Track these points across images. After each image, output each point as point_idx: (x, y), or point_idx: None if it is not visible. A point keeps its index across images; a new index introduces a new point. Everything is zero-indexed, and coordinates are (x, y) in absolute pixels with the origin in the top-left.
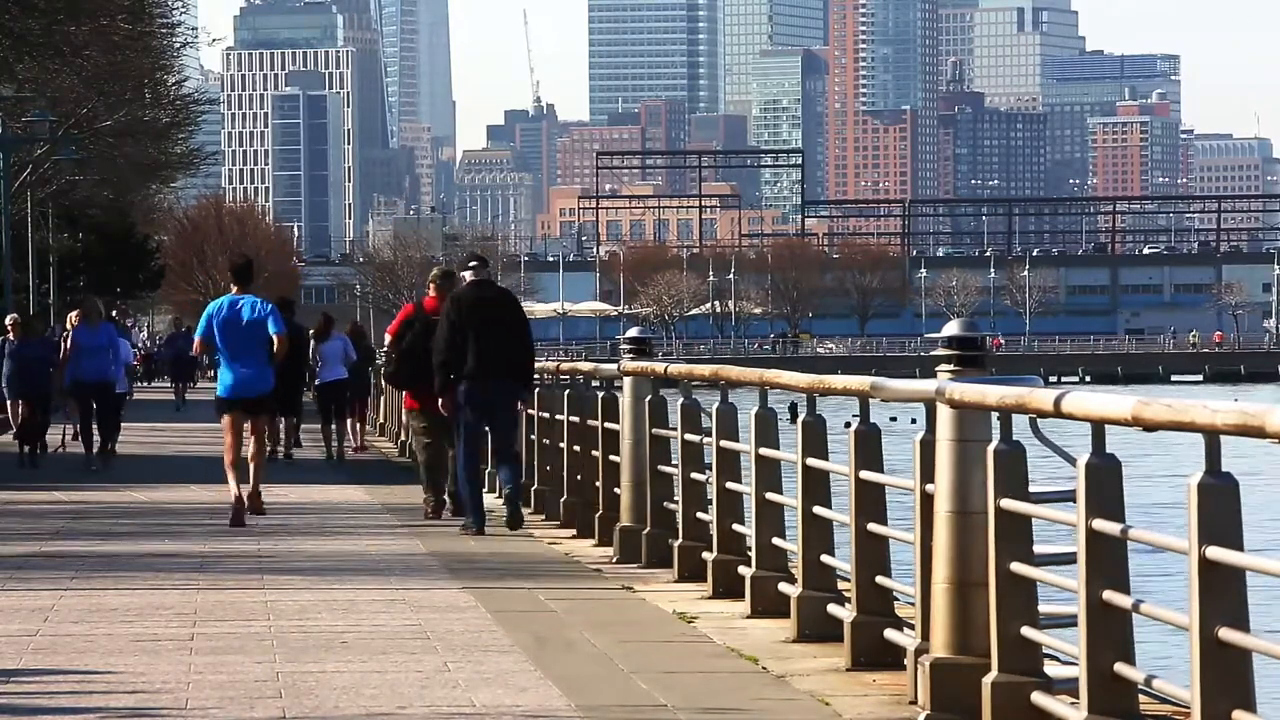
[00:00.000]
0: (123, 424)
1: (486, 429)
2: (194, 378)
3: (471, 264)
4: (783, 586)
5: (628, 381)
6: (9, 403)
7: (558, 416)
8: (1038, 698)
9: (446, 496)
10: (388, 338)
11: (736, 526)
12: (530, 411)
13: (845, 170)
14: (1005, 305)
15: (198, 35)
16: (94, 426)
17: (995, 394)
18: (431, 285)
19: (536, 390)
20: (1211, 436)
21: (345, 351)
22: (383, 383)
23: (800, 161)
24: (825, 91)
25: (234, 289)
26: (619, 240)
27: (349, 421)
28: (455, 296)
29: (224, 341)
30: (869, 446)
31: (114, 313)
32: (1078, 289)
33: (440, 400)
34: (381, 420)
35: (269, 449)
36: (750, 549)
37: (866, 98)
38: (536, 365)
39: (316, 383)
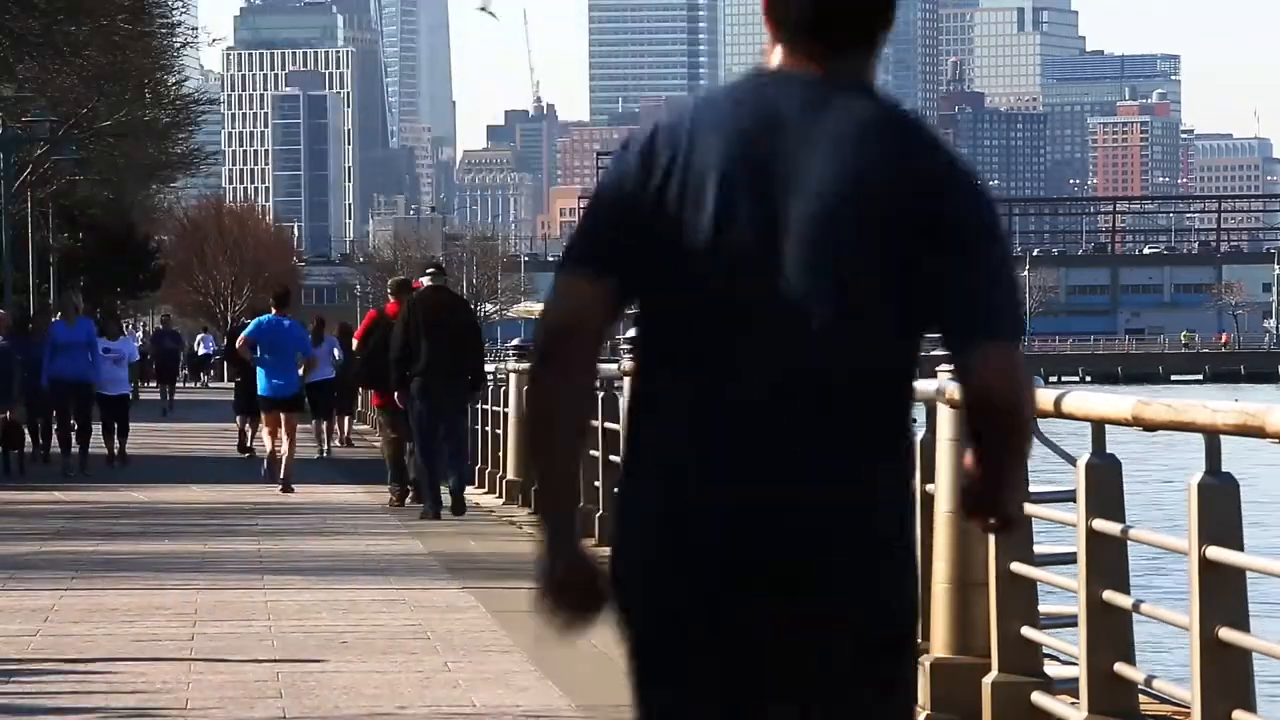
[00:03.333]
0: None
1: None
2: (177, 378)
3: (429, 271)
4: None
5: (628, 381)
6: None
7: None
8: (1038, 698)
9: (410, 486)
10: (355, 342)
11: None
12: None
13: None
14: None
15: (198, 35)
16: (72, 428)
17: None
18: (390, 293)
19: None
20: (1211, 436)
21: (332, 352)
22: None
23: None
24: None
25: (274, 310)
26: None
27: (337, 418)
28: (411, 300)
29: (265, 352)
30: None
31: (99, 312)
32: (1078, 289)
33: (395, 394)
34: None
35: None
36: None
37: None
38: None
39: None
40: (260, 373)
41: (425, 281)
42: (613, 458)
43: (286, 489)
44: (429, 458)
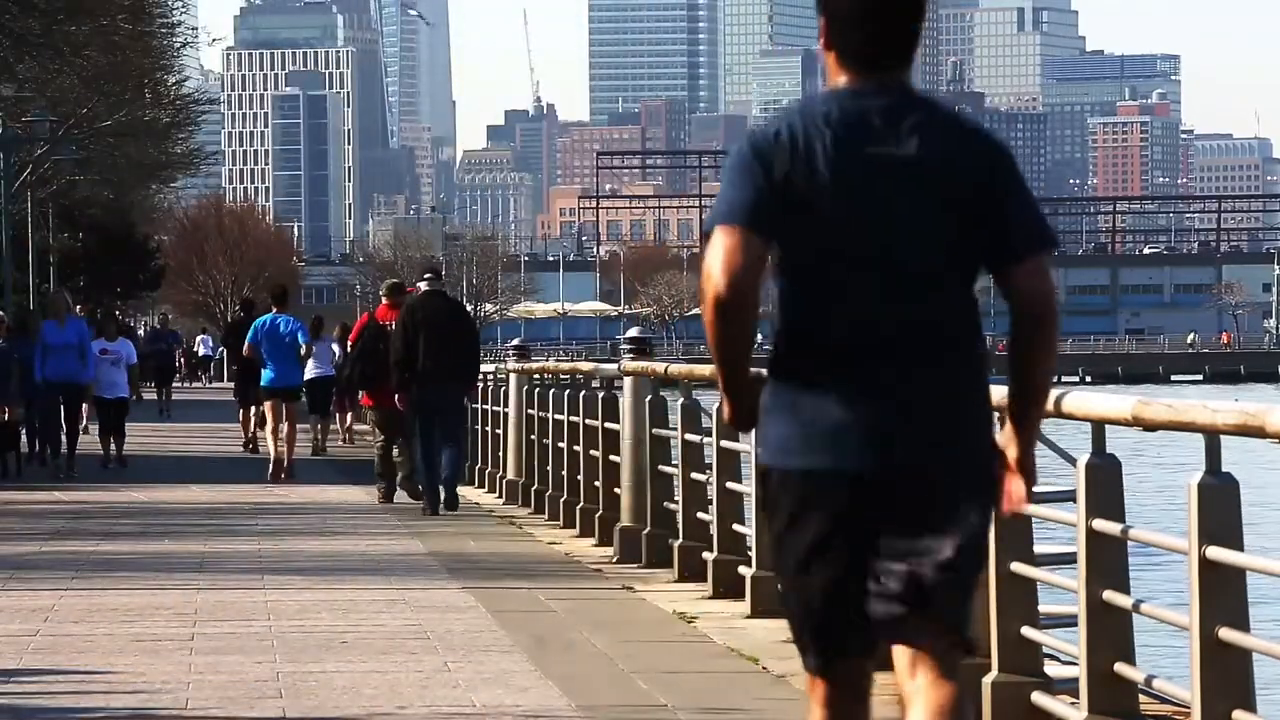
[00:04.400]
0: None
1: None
2: (173, 378)
3: (427, 275)
4: None
5: (628, 381)
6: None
7: (557, 416)
8: (1038, 698)
9: (395, 485)
10: (348, 344)
11: (736, 526)
12: (530, 411)
13: None
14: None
15: (198, 35)
16: (61, 430)
17: (995, 394)
18: (384, 296)
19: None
20: (1211, 436)
21: (331, 349)
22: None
23: None
24: None
25: (274, 309)
26: (619, 240)
27: (338, 415)
28: (410, 304)
29: (266, 348)
30: None
31: (101, 313)
32: (1078, 289)
33: (397, 395)
34: None
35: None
36: (750, 549)
37: None
38: (537, 365)
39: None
40: (265, 367)
41: (422, 286)
42: (613, 457)
43: (287, 478)
44: (427, 457)
